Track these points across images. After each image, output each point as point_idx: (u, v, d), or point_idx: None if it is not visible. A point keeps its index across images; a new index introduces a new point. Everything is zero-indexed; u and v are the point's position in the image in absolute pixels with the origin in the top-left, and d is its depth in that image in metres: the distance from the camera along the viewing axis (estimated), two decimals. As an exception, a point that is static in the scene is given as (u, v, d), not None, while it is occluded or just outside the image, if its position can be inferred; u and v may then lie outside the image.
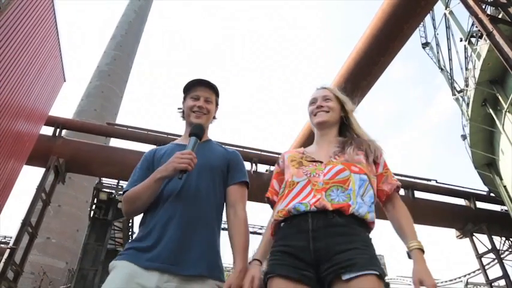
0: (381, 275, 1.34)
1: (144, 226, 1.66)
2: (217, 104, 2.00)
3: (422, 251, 1.47)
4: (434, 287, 1.35)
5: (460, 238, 13.96)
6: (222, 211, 1.78)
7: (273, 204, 1.80)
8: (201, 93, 1.91)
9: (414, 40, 16.64)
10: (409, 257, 1.49)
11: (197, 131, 1.74)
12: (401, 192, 12.91)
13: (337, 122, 1.82)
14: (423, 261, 1.44)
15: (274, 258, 1.49)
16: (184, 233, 1.57)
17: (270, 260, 1.53)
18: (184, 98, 1.97)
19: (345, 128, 1.82)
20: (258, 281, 1.50)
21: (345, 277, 1.29)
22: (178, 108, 2.00)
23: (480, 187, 13.94)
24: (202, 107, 1.88)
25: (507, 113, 9.94)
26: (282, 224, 1.57)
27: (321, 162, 1.65)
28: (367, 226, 1.52)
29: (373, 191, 1.60)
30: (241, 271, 1.56)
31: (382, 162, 1.71)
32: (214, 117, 2.01)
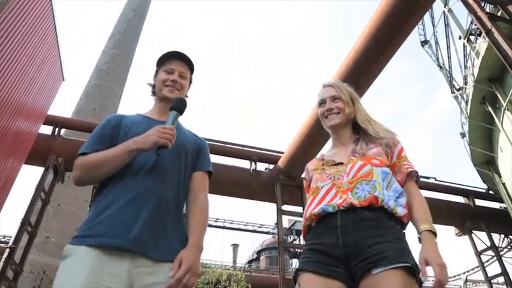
0: (413, 267, 1.28)
1: (105, 199, 1.46)
2: (190, 81, 1.88)
3: (434, 233, 1.39)
4: (440, 266, 1.25)
5: (459, 235, 13.97)
6: (185, 197, 1.67)
7: None
8: (176, 67, 1.78)
9: (414, 38, 16.66)
10: (420, 241, 1.42)
11: (179, 105, 1.64)
12: (401, 190, 12.91)
13: (350, 121, 1.80)
14: (432, 242, 1.35)
15: (305, 256, 1.50)
16: (158, 214, 1.45)
17: (301, 258, 1.54)
18: (157, 72, 1.83)
19: (358, 127, 1.80)
20: None
21: (375, 271, 1.28)
22: (148, 84, 1.88)
23: (479, 185, 13.97)
24: (176, 81, 1.76)
25: (506, 111, 9.94)
26: (313, 224, 1.58)
27: (342, 163, 1.65)
28: (399, 220, 1.48)
29: (398, 184, 1.57)
30: (191, 245, 1.44)
31: (396, 151, 1.69)
32: (186, 96, 1.86)
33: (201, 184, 1.70)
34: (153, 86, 1.85)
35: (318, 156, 1.86)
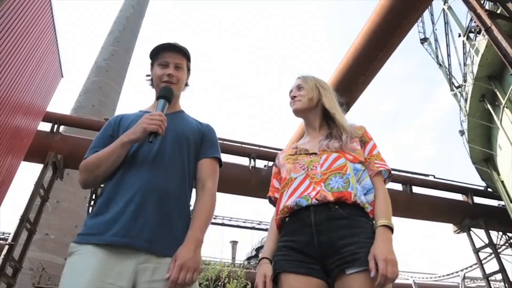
0: None
1: (108, 196, 1.45)
2: (188, 70, 1.83)
3: (391, 229, 1.41)
4: (385, 261, 1.26)
5: (458, 233, 14.01)
6: (192, 188, 1.63)
7: (274, 202, 1.79)
8: (170, 59, 1.72)
9: (415, 35, 16.62)
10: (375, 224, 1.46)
11: (166, 93, 1.62)
12: (399, 187, 12.94)
13: (314, 108, 1.83)
14: (384, 238, 1.36)
15: (281, 254, 1.51)
16: (161, 208, 1.42)
17: (276, 256, 1.54)
18: (152, 65, 1.78)
19: (328, 116, 1.82)
20: (270, 280, 1.46)
21: (349, 271, 1.32)
22: (147, 75, 1.82)
23: (478, 182, 14.00)
24: (172, 75, 1.69)
25: (505, 109, 9.95)
26: (287, 219, 1.58)
27: (315, 153, 1.66)
28: (368, 215, 1.51)
29: (368, 181, 1.59)
30: (188, 239, 1.40)
31: (368, 147, 1.71)
32: (186, 84, 1.83)
33: (207, 172, 1.64)
34: (152, 79, 1.80)
35: (292, 145, 1.88)
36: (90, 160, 1.50)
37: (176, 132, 1.61)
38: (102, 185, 1.58)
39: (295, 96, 1.86)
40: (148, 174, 1.47)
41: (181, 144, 1.61)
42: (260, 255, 1.61)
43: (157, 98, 1.63)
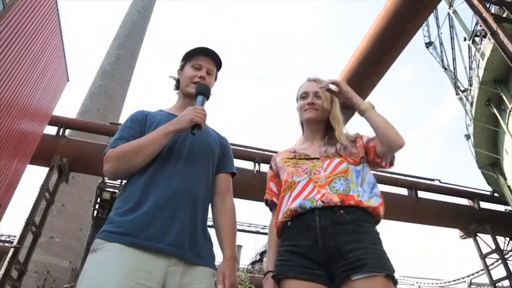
0: (390, 275, 1.31)
1: (139, 194, 1.39)
2: (216, 79, 1.84)
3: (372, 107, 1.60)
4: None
5: (464, 238, 13.87)
6: (211, 197, 1.63)
7: (271, 205, 1.76)
8: (204, 63, 1.73)
9: (422, 40, 16.59)
10: (361, 114, 1.62)
11: (204, 90, 1.63)
12: (405, 192, 12.88)
13: (325, 119, 1.82)
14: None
15: (283, 259, 1.47)
16: (192, 215, 1.42)
17: (277, 261, 1.50)
18: (182, 66, 1.77)
19: (330, 126, 1.82)
20: None
21: (354, 278, 1.30)
22: (171, 76, 1.82)
23: (484, 187, 13.88)
24: (203, 78, 1.70)
25: (511, 113, 9.87)
26: (289, 223, 1.55)
27: (317, 158, 1.65)
28: (374, 217, 1.50)
29: (371, 176, 1.60)
30: (230, 259, 1.46)
31: (365, 135, 1.74)
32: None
33: (228, 186, 1.67)
34: (177, 81, 1.79)
35: (289, 149, 1.86)
36: (126, 148, 1.42)
37: (202, 141, 1.60)
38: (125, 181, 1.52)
39: (313, 103, 1.80)
40: (181, 178, 1.45)
41: (208, 153, 1.62)
42: (265, 268, 1.59)
43: (196, 95, 1.62)
